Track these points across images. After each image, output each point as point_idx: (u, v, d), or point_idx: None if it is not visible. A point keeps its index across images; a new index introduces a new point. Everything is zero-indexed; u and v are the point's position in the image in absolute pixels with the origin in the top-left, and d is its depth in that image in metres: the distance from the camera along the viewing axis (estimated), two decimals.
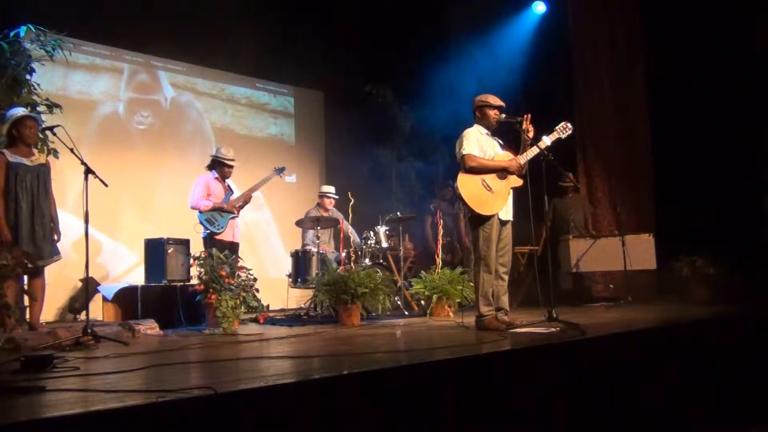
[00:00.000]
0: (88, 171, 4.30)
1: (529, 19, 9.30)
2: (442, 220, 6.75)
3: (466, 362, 2.97)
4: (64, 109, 6.10)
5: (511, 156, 4.58)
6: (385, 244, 6.91)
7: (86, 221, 4.26)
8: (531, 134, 4.55)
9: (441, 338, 4.13)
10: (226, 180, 6.30)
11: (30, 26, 5.83)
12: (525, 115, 4.58)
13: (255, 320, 5.78)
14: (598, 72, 8.82)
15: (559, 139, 4.64)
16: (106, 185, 4.30)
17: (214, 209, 6.07)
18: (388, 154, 9.28)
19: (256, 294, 5.19)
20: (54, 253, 4.78)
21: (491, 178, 4.50)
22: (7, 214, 4.56)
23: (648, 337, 4.13)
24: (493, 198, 4.47)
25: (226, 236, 6.07)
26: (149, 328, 5.00)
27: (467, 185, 4.47)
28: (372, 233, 6.90)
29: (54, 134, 4.49)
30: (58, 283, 6.51)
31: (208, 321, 5.15)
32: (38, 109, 5.88)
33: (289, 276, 6.80)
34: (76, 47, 6.34)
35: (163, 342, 4.45)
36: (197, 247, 5.92)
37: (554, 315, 4.24)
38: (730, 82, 7.39)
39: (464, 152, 4.49)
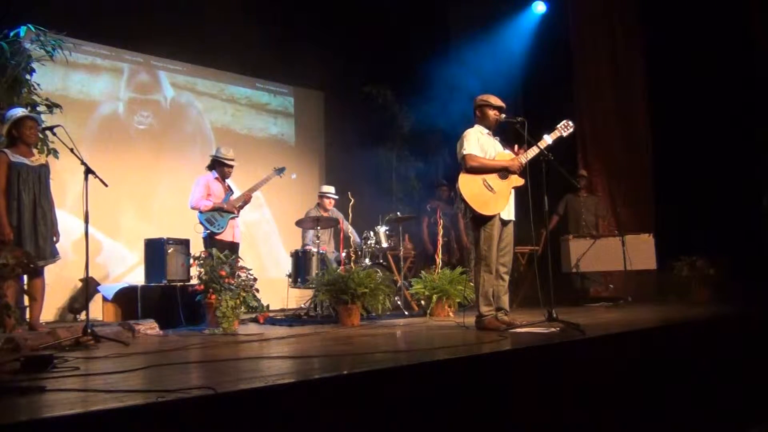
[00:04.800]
0: (88, 171, 4.30)
1: (529, 19, 9.31)
2: (441, 220, 6.75)
3: (466, 362, 2.97)
4: (64, 109, 6.10)
5: (512, 155, 4.58)
6: (385, 244, 6.91)
7: (86, 221, 4.26)
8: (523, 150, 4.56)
9: (441, 338, 4.13)
10: (226, 180, 6.30)
11: (30, 26, 5.82)
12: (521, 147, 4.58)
13: (255, 320, 5.78)
14: (598, 72, 8.82)
15: (560, 137, 4.64)
16: (106, 185, 4.30)
17: (214, 209, 6.06)
18: (388, 154, 9.29)
19: (256, 294, 5.18)
20: (54, 254, 4.78)
21: (492, 178, 4.49)
22: (10, 213, 4.56)
23: (648, 337, 4.13)
24: (495, 198, 4.46)
25: (226, 236, 6.06)
26: (149, 328, 5.00)
27: (469, 185, 4.47)
28: (372, 233, 6.90)
29: (54, 134, 4.49)
30: (58, 283, 6.50)
31: (208, 321, 5.14)
32: (38, 109, 5.87)
33: (289, 276, 6.79)
34: (76, 47, 6.33)
35: (163, 342, 4.45)
36: (197, 247, 5.92)
37: (554, 315, 4.24)
38: (730, 81, 7.39)
39: (465, 152, 4.49)
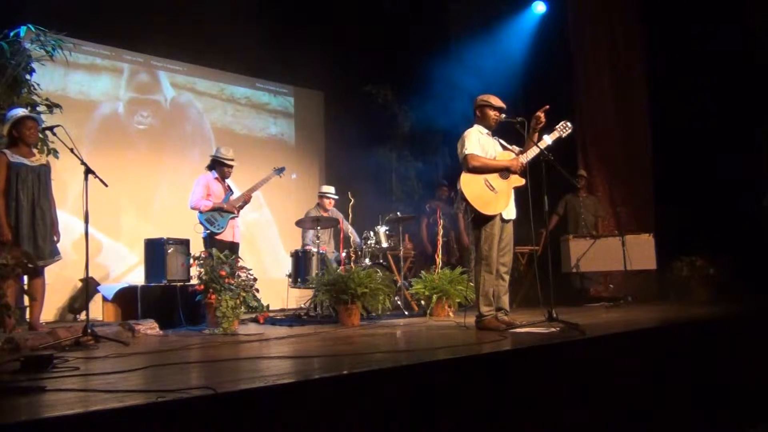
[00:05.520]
0: (88, 171, 4.30)
1: (529, 19, 9.31)
2: (441, 220, 6.75)
3: (466, 362, 2.97)
4: (64, 109, 6.11)
5: (513, 155, 4.58)
6: (385, 244, 6.91)
7: (86, 221, 4.25)
8: (541, 125, 4.51)
9: (441, 338, 4.13)
10: (226, 180, 6.30)
11: (30, 26, 5.83)
12: (545, 106, 4.52)
13: (255, 320, 5.78)
14: (598, 72, 8.82)
15: (559, 138, 4.64)
16: (106, 185, 4.30)
17: (214, 209, 6.06)
18: (387, 154, 9.29)
19: (256, 294, 5.18)
20: (54, 254, 4.78)
21: (494, 178, 4.49)
22: (8, 214, 4.56)
23: (648, 337, 4.13)
24: (496, 198, 4.46)
25: (226, 236, 6.07)
26: (149, 328, 5.00)
27: (470, 185, 4.47)
28: (372, 233, 6.90)
29: (54, 134, 4.49)
30: (58, 283, 6.51)
31: (208, 321, 5.14)
32: (38, 109, 5.88)
33: (289, 276, 6.79)
34: (76, 47, 6.34)
35: (163, 342, 4.45)
36: (197, 247, 5.92)
37: (554, 315, 4.24)
38: (730, 82, 7.39)
39: (467, 152, 4.48)
